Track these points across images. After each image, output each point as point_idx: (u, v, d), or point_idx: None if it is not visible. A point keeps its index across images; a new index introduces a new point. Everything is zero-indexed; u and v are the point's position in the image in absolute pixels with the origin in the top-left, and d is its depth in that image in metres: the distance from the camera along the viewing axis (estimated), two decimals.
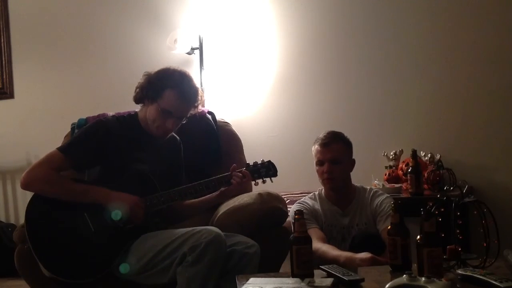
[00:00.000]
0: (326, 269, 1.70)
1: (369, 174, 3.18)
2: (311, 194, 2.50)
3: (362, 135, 3.21)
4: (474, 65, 3.38)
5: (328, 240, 2.30)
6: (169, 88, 2.17)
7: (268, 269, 1.98)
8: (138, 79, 2.26)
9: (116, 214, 2.02)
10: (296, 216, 1.72)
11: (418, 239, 1.66)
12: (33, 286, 2.25)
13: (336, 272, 1.64)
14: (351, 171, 2.43)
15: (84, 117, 2.64)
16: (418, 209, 1.70)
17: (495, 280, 1.50)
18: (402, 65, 3.48)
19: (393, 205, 1.83)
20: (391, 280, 1.54)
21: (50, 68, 3.94)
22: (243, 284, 1.61)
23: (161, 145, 2.29)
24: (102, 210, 2.05)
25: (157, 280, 2.00)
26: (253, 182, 2.28)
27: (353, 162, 2.44)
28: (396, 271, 1.71)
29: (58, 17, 3.92)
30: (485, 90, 3.37)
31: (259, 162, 2.27)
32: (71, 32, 3.90)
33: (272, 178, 2.26)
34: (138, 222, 2.08)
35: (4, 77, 3.99)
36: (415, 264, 1.68)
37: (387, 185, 3.12)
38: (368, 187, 2.49)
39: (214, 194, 2.25)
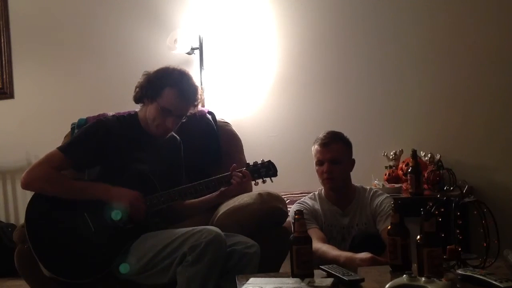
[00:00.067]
0: (326, 269, 1.70)
1: (369, 174, 3.19)
2: (311, 194, 2.50)
3: (362, 135, 3.21)
4: (474, 65, 3.38)
5: (328, 240, 2.30)
6: (168, 87, 2.17)
7: (268, 269, 1.98)
8: (138, 79, 2.27)
9: (116, 214, 2.02)
10: (296, 216, 1.72)
11: (418, 239, 1.66)
12: (33, 286, 2.25)
13: (336, 272, 1.64)
14: (351, 171, 2.43)
15: (84, 117, 2.64)
16: (418, 209, 1.71)
17: (495, 280, 1.50)
18: (402, 65, 3.48)
19: (393, 205, 1.83)
20: (391, 280, 1.53)
21: (50, 68, 3.94)
22: (243, 284, 1.61)
23: (161, 145, 2.29)
24: (102, 210, 2.04)
25: (157, 280, 2.00)
26: (253, 182, 2.28)
27: (353, 162, 2.44)
28: (396, 271, 1.70)
29: (58, 17, 3.92)
30: (485, 90, 3.38)
31: (259, 162, 2.27)
32: (71, 32, 3.90)
33: (272, 178, 2.26)
34: (140, 217, 2.07)
35: (4, 77, 3.99)
36: (415, 264, 1.68)
37: (387, 185, 3.12)
38: (368, 187, 2.49)
39: (214, 194, 2.25)
